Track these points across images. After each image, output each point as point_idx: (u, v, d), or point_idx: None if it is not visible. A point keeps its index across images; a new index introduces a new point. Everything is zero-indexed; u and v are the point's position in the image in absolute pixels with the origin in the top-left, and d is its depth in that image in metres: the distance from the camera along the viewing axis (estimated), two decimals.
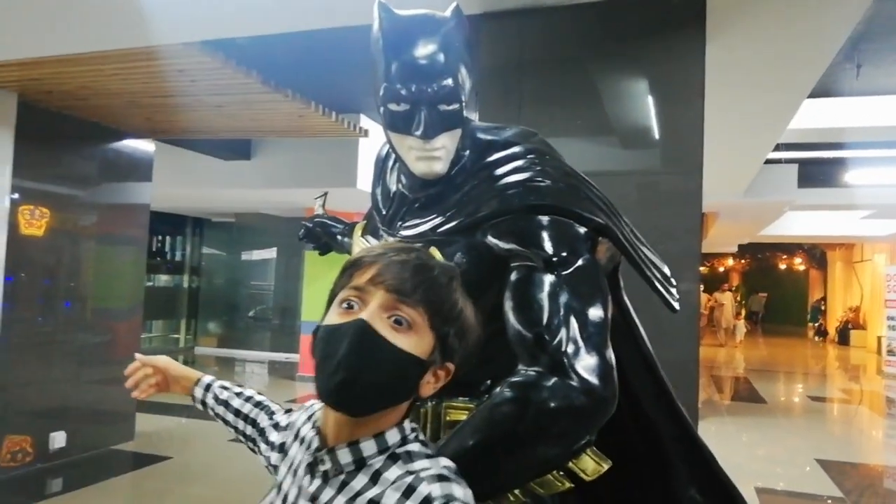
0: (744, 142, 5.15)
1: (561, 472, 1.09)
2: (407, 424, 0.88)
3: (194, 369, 1.33)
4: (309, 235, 2.18)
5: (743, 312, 18.99)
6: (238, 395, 1.22)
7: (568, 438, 1.08)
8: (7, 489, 4.20)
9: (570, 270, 1.15)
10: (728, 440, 6.30)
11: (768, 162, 6.72)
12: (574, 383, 1.05)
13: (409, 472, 0.82)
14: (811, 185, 8.18)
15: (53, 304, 4.86)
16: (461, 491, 0.81)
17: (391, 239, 1.37)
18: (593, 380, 1.07)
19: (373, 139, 5.81)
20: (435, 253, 1.28)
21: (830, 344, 18.04)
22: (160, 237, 11.81)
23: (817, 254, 21.11)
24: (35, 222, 4.62)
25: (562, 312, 1.12)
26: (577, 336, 1.10)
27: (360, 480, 0.83)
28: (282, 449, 1.00)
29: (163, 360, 1.24)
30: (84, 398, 5.03)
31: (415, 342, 0.82)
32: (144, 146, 5.60)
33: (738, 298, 17.10)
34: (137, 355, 1.24)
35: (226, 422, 1.21)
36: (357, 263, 0.87)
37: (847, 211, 10.23)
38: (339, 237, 2.13)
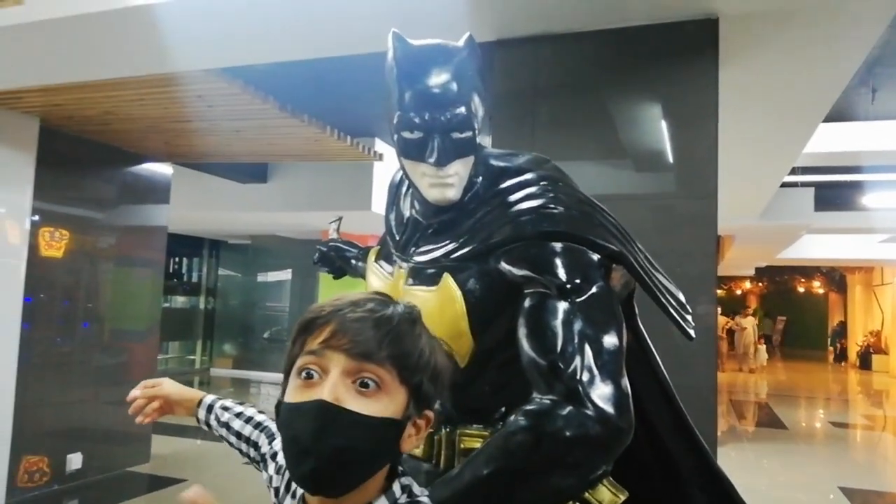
0: (759, 165, 5.13)
1: (577, 503, 1.08)
2: (396, 488, 0.81)
3: (203, 391, 1.33)
4: (323, 259, 2.19)
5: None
6: (238, 415, 1.21)
7: (583, 468, 1.07)
8: None
9: (584, 297, 1.15)
10: (748, 467, 6.18)
11: (784, 185, 6.68)
12: (589, 412, 1.04)
13: None
14: (828, 209, 8.11)
15: (72, 324, 4.91)
16: None
17: (405, 265, 1.37)
18: (609, 409, 1.06)
19: (388, 163, 5.85)
20: (448, 281, 1.28)
21: (852, 368, 17.73)
22: (177, 259, 11.92)
23: (836, 277, 20.84)
24: (55, 244, 4.68)
25: (576, 340, 1.11)
26: (591, 364, 1.09)
27: None
28: (279, 471, 0.96)
29: (161, 388, 1.24)
30: (101, 419, 5.06)
31: (386, 403, 0.75)
32: (162, 169, 5.68)
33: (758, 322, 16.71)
34: (139, 386, 1.24)
35: (230, 443, 1.21)
36: (310, 326, 0.78)
37: (865, 234, 10.11)
38: (353, 261, 2.14)
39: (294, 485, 0.85)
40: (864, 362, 16.91)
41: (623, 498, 1.09)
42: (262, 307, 11.94)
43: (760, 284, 24.05)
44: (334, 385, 0.72)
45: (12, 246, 4.31)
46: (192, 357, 12.04)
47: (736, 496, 1.39)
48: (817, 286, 22.60)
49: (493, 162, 1.33)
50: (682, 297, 1.35)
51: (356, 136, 5.01)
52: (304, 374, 0.75)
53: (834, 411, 10.69)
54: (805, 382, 14.21)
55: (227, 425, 1.20)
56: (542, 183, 1.28)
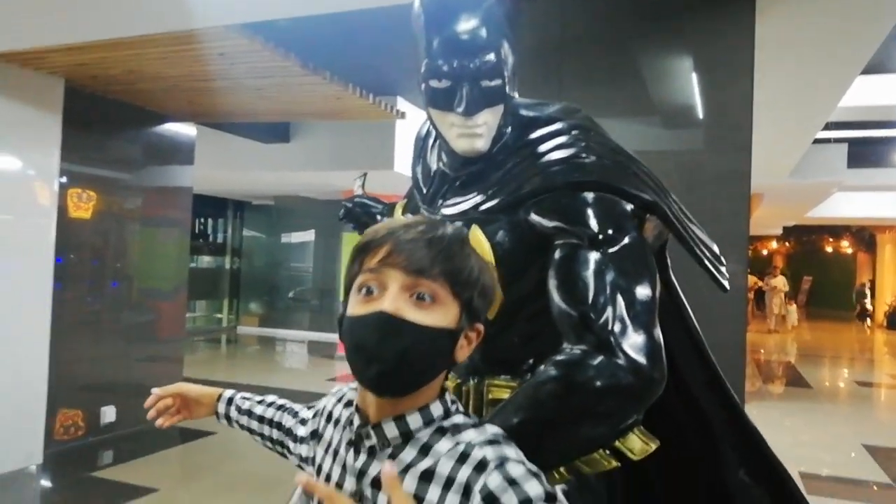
0: (792, 120, 4.98)
1: (607, 451, 1.08)
2: (448, 397, 0.88)
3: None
4: (349, 216, 2.18)
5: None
6: (260, 402, 1.22)
7: (614, 418, 1.06)
8: (61, 461, 4.37)
9: (616, 248, 1.13)
10: (772, 425, 6.17)
11: (817, 142, 6.50)
12: (621, 362, 1.04)
13: (459, 443, 0.82)
14: (861, 166, 7.90)
15: (101, 284, 5.01)
16: (513, 452, 0.81)
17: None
18: (641, 359, 1.05)
19: (410, 122, 5.80)
20: (477, 233, 1.27)
21: (879, 328, 17.51)
22: (202, 219, 12.05)
23: (866, 236, 20.42)
24: (83, 205, 4.75)
25: (608, 291, 1.10)
26: (623, 314, 1.08)
27: (409, 453, 0.83)
28: (313, 436, 1.00)
29: (178, 387, 1.22)
30: (132, 375, 5.19)
31: (441, 315, 0.82)
32: (186, 130, 5.70)
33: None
34: (154, 389, 1.22)
35: (251, 431, 1.21)
36: (367, 247, 0.84)
37: None
38: (378, 217, 2.13)
39: (332, 443, 0.93)
40: (892, 322, 16.69)
41: (654, 447, 1.09)
42: (286, 267, 12.07)
43: (787, 244, 23.68)
44: (394, 298, 0.79)
45: (42, 207, 4.38)
46: (218, 315, 12.27)
47: (766, 449, 1.38)
48: (846, 246, 22.19)
49: (523, 112, 1.30)
50: (716, 249, 1.32)
51: (378, 95, 4.96)
52: (364, 290, 0.82)
53: (859, 371, 10.60)
54: (831, 342, 14.08)
55: (248, 412, 1.21)
56: (573, 132, 1.25)
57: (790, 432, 6.08)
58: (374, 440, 0.85)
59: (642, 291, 1.12)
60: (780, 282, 15.31)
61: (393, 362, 0.79)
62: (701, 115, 2.71)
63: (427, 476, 0.80)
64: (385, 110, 5.06)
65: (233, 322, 12.25)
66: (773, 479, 1.37)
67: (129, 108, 5.07)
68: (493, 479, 0.76)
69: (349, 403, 0.95)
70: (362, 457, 0.86)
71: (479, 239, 1.23)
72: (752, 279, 15.79)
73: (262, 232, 12.56)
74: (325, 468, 0.91)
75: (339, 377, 7.92)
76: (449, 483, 0.79)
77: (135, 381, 5.20)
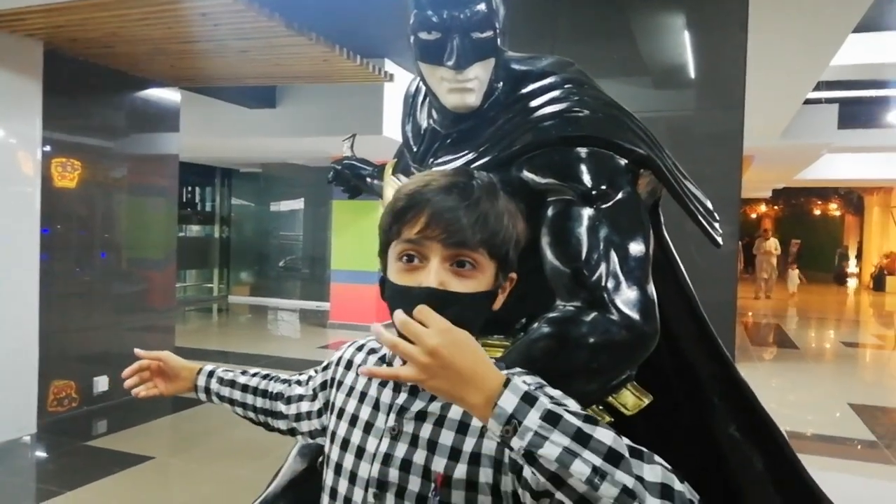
0: (784, 80, 4.95)
1: (600, 407, 1.08)
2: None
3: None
4: (338, 178, 2.16)
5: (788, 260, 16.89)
6: (244, 373, 1.22)
7: (607, 373, 1.06)
8: (55, 431, 4.38)
9: (609, 204, 1.12)
10: (758, 386, 6.23)
11: (807, 102, 6.47)
12: (614, 318, 1.03)
13: None
14: (851, 127, 7.88)
15: (90, 254, 4.95)
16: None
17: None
18: (634, 315, 1.05)
19: (398, 85, 5.70)
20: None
21: (865, 290, 17.73)
22: (189, 188, 11.92)
23: (854, 199, 20.54)
24: (67, 175, 4.67)
25: (601, 246, 1.09)
26: (617, 270, 1.07)
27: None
28: (327, 386, 1.04)
29: (160, 354, 1.22)
30: (124, 345, 5.17)
31: (480, 279, 0.85)
32: (170, 95, 5.58)
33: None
34: (137, 350, 1.23)
35: (232, 402, 1.20)
36: (403, 214, 0.85)
37: (888, 153, 9.87)
38: (368, 179, 2.11)
39: (356, 387, 0.97)
40: (878, 284, 16.91)
41: (647, 402, 1.09)
42: (276, 236, 12.01)
43: (776, 207, 23.80)
44: (437, 272, 0.82)
45: (26, 176, 4.30)
46: (209, 285, 12.23)
47: (757, 404, 1.39)
48: (834, 208, 22.33)
49: (515, 66, 1.27)
50: (709, 205, 1.31)
51: (366, 57, 4.87)
52: (404, 258, 0.85)
53: (845, 332, 10.75)
54: (818, 304, 14.23)
55: (231, 382, 1.20)
56: (566, 86, 1.22)
57: (777, 392, 6.18)
58: None
59: (636, 247, 1.11)
60: (773, 245, 14.61)
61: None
62: (693, 75, 2.67)
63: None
64: (373, 72, 4.97)
65: (224, 292, 12.22)
66: (764, 435, 1.38)
67: (111, 72, 4.95)
68: None
69: (372, 352, 1.00)
70: (403, 395, 0.89)
71: None
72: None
73: (251, 200, 12.45)
74: (350, 409, 0.94)
75: (331, 344, 7.94)
76: (482, 430, 0.83)
77: (127, 352, 5.11)
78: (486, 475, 0.81)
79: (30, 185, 4.33)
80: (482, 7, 1.15)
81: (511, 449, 0.68)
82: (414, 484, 0.84)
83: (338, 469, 0.92)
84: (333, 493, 0.92)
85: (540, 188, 1.17)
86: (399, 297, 0.83)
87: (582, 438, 0.66)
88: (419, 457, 0.84)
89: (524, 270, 1.24)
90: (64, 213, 4.65)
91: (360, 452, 0.90)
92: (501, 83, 1.26)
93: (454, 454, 0.83)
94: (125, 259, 5.27)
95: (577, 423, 0.67)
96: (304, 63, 4.72)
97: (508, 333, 1.30)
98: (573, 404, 0.77)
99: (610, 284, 1.06)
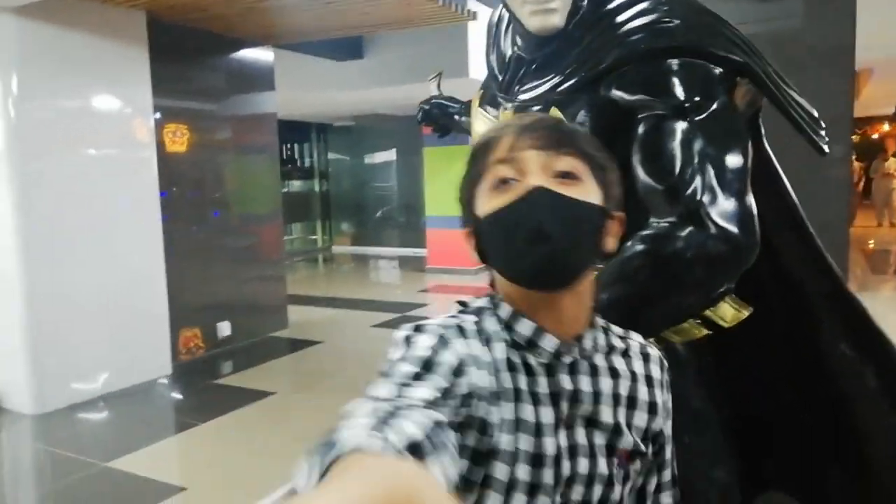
0: None
1: (698, 321, 1.07)
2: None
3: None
4: (427, 117, 2.19)
5: None
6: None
7: (705, 287, 1.06)
8: (187, 371, 4.81)
9: (703, 116, 1.09)
10: (880, 318, 5.87)
11: None
12: (711, 231, 1.02)
13: (622, 338, 0.85)
14: None
15: (204, 214, 5.30)
16: None
17: (510, 105, 1.34)
18: (732, 227, 1.03)
19: (481, 24, 5.60)
20: (555, 114, 1.24)
21: None
22: (288, 145, 12.36)
23: None
24: (178, 140, 4.97)
25: (696, 160, 1.07)
26: (713, 183, 1.05)
27: (601, 357, 0.81)
28: (496, 398, 0.74)
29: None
30: (241, 294, 5.56)
31: (588, 191, 0.75)
32: (265, 55, 5.77)
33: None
34: None
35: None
36: (488, 144, 0.78)
37: None
38: (456, 117, 2.13)
39: (504, 385, 0.74)
40: None
41: (747, 314, 1.08)
42: (371, 187, 12.30)
43: None
44: (540, 175, 0.73)
45: (142, 142, 4.62)
46: (313, 237, 12.79)
47: (869, 321, 1.33)
48: None
49: None
50: (814, 113, 1.24)
51: None
52: (498, 182, 0.75)
53: None
54: None
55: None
56: None
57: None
58: (575, 354, 0.78)
59: (732, 159, 1.08)
60: (893, 165, 13.10)
61: (566, 239, 0.72)
62: None
63: (628, 375, 0.83)
64: (456, 12, 4.91)
65: (327, 242, 12.74)
66: (878, 352, 1.33)
67: (207, 35, 5.17)
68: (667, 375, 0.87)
69: (487, 340, 0.77)
70: (565, 379, 0.77)
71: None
72: (855, 164, 13.90)
73: (346, 154, 12.77)
74: (508, 415, 0.73)
75: (430, 287, 8.15)
76: (648, 380, 0.84)
77: (245, 300, 5.58)
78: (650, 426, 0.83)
79: (147, 150, 4.65)
80: None
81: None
82: (602, 467, 0.77)
83: (510, 486, 0.73)
84: None
85: (631, 106, 1.15)
86: (503, 221, 0.73)
87: None
88: (600, 437, 0.78)
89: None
90: (178, 176, 4.97)
91: (537, 460, 0.73)
92: (585, 1, 1.23)
93: (617, 427, 0.79)
94: (236, 216, 5.59)
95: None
96: (386, 8, 4.73)
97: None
98: None
99: (706, 198, 1.04)
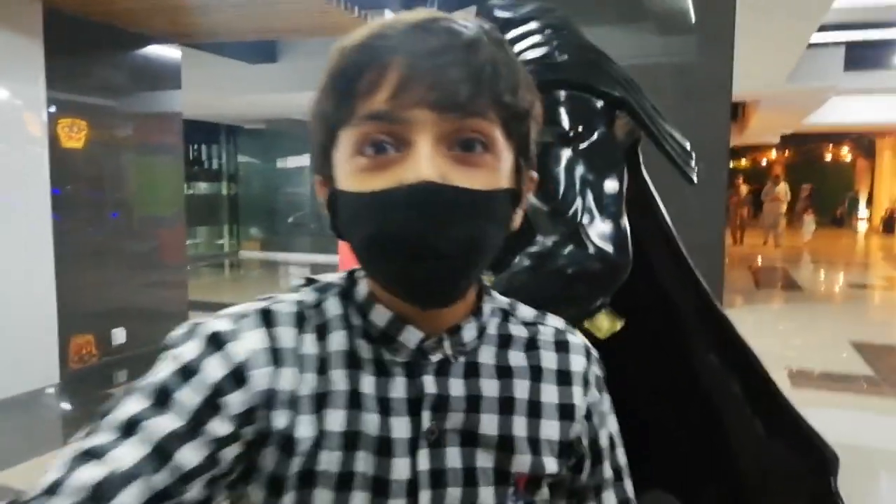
0: (785, 23, 4.88)
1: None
2: (486, 306, 0.64)
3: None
4: None
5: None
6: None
7: (583, 301, 1.15)
8: (78, 380, 4.56)
9: (585, 145, 1.19)
10: (763, 328, 6.37)
11: (813, 46, 6.38)
12: (589, 250, 1.12)
13: (529, 325, 0.66)
14: (859, 69, 7.76)
15: (101, 214, 5.05)
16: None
17: None
18: (607, 247, 1.13)
19: None
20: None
21: (875, 233, 17.69)
22: (195, 145, 11.96)
23: (865, 143, 20.28)
24: (74, 135, 4.73)
25: (577, 185, 1.16)
26: (592, 207, 1.15)
27: (489, 352, 0.62)
28: (248, 419, 0.53)
29: None
30: (139, 300, 5.33)
31: (496, 168, 0.53)
32: (171, 52, 5.59)
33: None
34: None
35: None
36: (358, 71, 0.52)
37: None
38: None
39: (352, 386, 0.57)
40: (888, 227, 16.88)
41: (620, 325, 1.18)
42: (283, 192, 12.10)
43: (786, 153, 23.53)
44: (431, 158, 0.50)
45: (33, 137, 4.37)
46: (220, 241, 12.41)
47: (733, 332, 1.47)
48: (845, 153, 22.06)
49: (497, 13, 1.33)
50: (686, 145, 1.37)
51: (365, 8, 4.85)
52: (369, 148, 0.51)
53: (853, 274, 10.80)
54: (826, 248, 14.19)
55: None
56: (546, 31, 1.28)
57: (782, 335, 6.29)
58: (447, 351, 0.59)
59: (610, 185, 1.18)
60: (782, 190, 13.64)
61: (461, 256, 0.52)
62: (683, 20, 2.68)
63: (527, 373, 0.63)
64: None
65: (234, 247, 12.39)
66: (742, 361, 1.47)
67: (110, 30, 4.96)
68: (598, 368, 0.68)
69: (320, 328, 0.59)
70: (429, 380, 0.58)
71: None
72: (744, 188, 15.07)
73: (257, 157, 12.50)
74: (335, 426, 0.55)
75: None
76: (562, 376, 0.64)
77: (141, 306, 5.35)
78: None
79: (38, 145, 4.40)
80: None
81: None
82: (488, 498, 0.58)
83: None
84: None
85: None
86: (375, 212, 0.51)
87: None
88: (485, 459, 0.58)
89: None
90: (73, 173, 4.73)
91: (381, 487, 0.55)
92: None
93: (505, 443, 0.59)
94: (136, 218, 5.37)
95: None
96: (301, 16, 4.71)
97: (493, 269, 1.39)
98: None
99: (585, 220, 1.14)
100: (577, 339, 0.67)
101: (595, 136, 1.19)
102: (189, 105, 6.75)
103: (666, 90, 2.63)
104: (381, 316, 0.58)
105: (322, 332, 0.58)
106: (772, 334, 6.21)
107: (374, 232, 0.51)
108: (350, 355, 0.58)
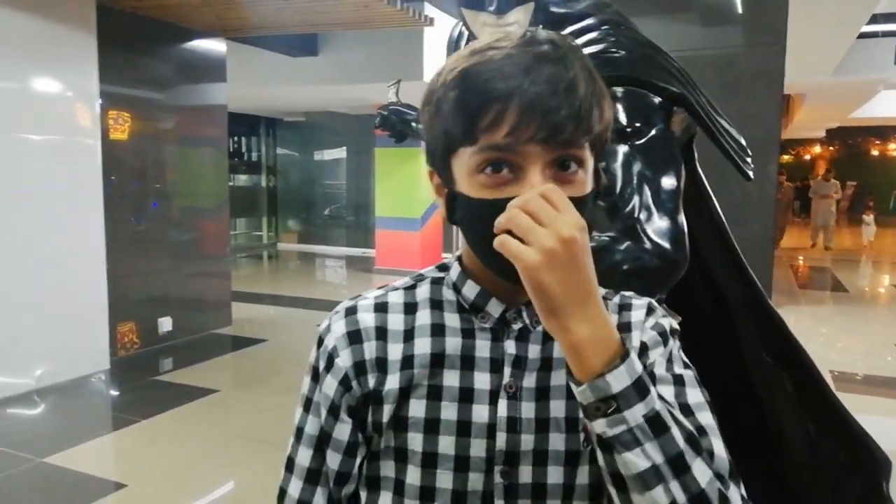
0: (835, 14, 4.75)
1: None
2: None
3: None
4: (385, 123, 2.25)
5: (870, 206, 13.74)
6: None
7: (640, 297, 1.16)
8: (126, 366, 4.71)
9: (643, 140, 1.19)
10: (806, 330, 6.24)
11: (862, 36, 6.19)
12: (646, 246, 1.12)
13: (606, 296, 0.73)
14: None
15: (144, 204, 5.19)
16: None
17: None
18: (665, 243, 1.13)
19: (438, 29, 5.69)
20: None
21: None
22: (236, 138, 12.17)
23: None
24: (119, 127, 4.86)
25: (635, 181, 1.17)
26: (649, 203, 1.15)
27: None
28: (404, 368, 0.70)
29: None
30: (184, 289, 5.47)
31: (585, 178, 0.65)
32: (217, 46, 5.70)
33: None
34: None
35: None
36: (480, 105, 0.61)
37: None
38: (413, 124, 2.19)
39: (447, 349, 0.70)
40: None
41: (676, 322, 1.18)
42: (321, 184, 12.23)
43: (831, 148, 22.89)
44: (539, 181, 0.61)
45: (86, 128, 4.51)
46: (259, 233, 12.61)
47: (790, 336, 1.46)
48: (893, 148, 21.37)
49: (554, 9, 1.33)
50: (742, 141, 1.37)
51: (406, 1, 4.87)
52: (488, 168, 0.63)
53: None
54: (873, 247, 13.73)
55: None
56: (603, 27, 1.28)
57: (825, 336, 6.14)
58: (526, 320, 0.70)
59: (667, 181, 1.18)
60: (833, 187, 12.63)
61: None
62: (736, 11, 2.64)
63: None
64: (413, 17, 4.98)
65: (273, 239, 12.59)
66: (793, 360, 1.46)
67: (159, 24, 5.08)
68: (663, 321, 0.72)
69: (409, 309, 0.73)
70: (510, 344, 0.69)
71: None
72: (788, 185, 13.58)
73: (296, 149, 12.65)
74: (424, 382, 0.69)
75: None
76: (623, 327, 0.71)
77: (186, 295, 5.49)
78: None
79: (90, 136, 4.54)
80: None
81: (589, 422, 0.57)
82: (558, 442, 0.67)
83: (428, 460, 0.68)
84: (428, 493, 0.68)
85: None
86: (488, 215, 0.61)
87: (679, 467, 0.56)
88: (557, 409, 0.67)
89: None
90: (119, 164, 4.86)
91: (464, 428, 0.67)
92: (542, 25, 1.32)
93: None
94: (178, 208, 5.50)
95: (681, 445, 0.57)
96: (344, 8, 4.76)
97: None
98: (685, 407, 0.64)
99: (643, 216, 1.14)
100: (640, 301, 0.75)
101: (653, 131, 1.19)
102: (232, 98, 6.89)
103: (722, 82, 2.60)
104: (471, 290, 0.72)
105: (411, 310, 0.73)
106: (815, 335, 6.08)
107: (490, 228, 0.60)
108: (436, 326, 0.71)
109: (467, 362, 0.69)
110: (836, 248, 12.73)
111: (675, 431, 0.57)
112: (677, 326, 0.73)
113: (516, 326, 0.70)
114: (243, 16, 5.01)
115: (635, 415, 0.55)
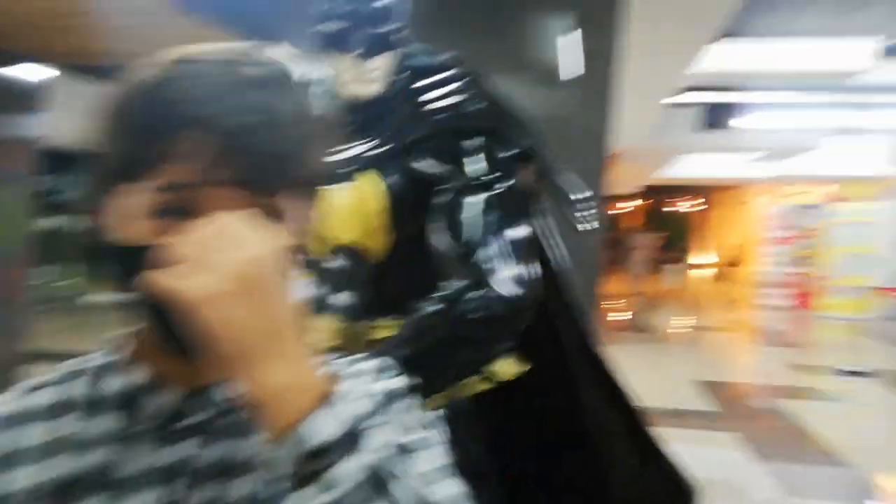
0: (654, 80, 5.31)
1: (482, 376, 1.20)
2: None
3: None
4: None
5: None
6: None
7: (490, 344, 1.19)
8: None
9: (495, 191, 1.24)
10: (619, 368, 6.71)
11: (671, 105, 7.02)
12: (498, 294, 1.16)
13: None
14: (709, 129, 8.56)
15: None
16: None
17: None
18: (515, 291, 1.18)
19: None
20: (374, 178, 1.30)
21: (716, 279, 19.44)
22: (53, 176, 10.92)
23: (706, 195, 22.37)
24: None
25: (488, 230, 1.21)
26: (501, 252, 1.20)
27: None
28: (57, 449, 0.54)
29: None
30: None
31: (285, 229, 0.51)
32: (31, 72, 5.14)
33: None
34: None
35: None
36: (158, 132, 0.48)
37: (740, 153, 10.81)
38: None
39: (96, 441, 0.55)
40: (726, 274, 18.69)
41: (525, 369, 1.23)
42: None
43: (643, 203, 25.45)
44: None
45: None
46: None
47: (609, 367, 1.56)
48: (690, 205, 24.20)
49: (416, 59, 1.36)
50: (581, 195, 1.47)
51: (260, 41, 4.74)
52: (163, 212, 0.48)
53: (694, 316, 11.75)
54: (668, 292, 15.11)
55: None
56: (464, 80, 1.33)
57: (634, 374, 6.66)
58: (200, 415, 0.55)
59: (520, 231, 1.24)
60: (648, 239, 13.96)
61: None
62: (572, 77, 2.83)
63: None
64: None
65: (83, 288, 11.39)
66: (623, 404, 1.56)
67: None
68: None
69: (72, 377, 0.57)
70: (173, 446, 0.54)
71: (370, 183, 1.28)
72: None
73: None
74: (126, 469, 0.53)
75: None
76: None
77: None
78: None
79: None
80: (387, 0, 1.22)
81: (292, 487, 0.44)
82: None
83: None
84: None
85: (433, 176, 1.27)
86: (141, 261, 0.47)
87: None
88: None
89: (417, 254, 1.34)
90: None
91: None
92: (402, 74, 1.34)
93: None
94: None
95: None
96: (181, 42, 4.53)
97: (403, 314, 1.39)
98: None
99: (495, 264, 1.18)
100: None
101: (506, 183, 1.24)
102: (60, 131, 6.23)
103: (558, 138, 2.77)
104: (138, 376, 0.57)
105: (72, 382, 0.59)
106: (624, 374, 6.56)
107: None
108: (114, 402, 0.57)
109: (124, 482, 0.53)
110: (647, 293, 13.88)
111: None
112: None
113: (188, 421, 0.55)
114: (75, 42, 4.59)
115: (351, 470, 0.44)
